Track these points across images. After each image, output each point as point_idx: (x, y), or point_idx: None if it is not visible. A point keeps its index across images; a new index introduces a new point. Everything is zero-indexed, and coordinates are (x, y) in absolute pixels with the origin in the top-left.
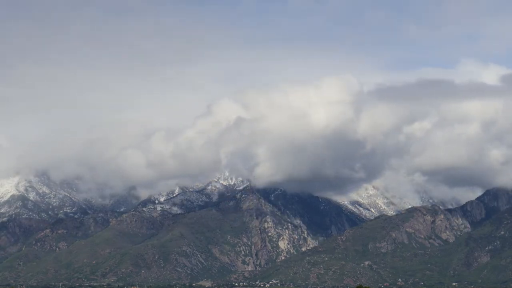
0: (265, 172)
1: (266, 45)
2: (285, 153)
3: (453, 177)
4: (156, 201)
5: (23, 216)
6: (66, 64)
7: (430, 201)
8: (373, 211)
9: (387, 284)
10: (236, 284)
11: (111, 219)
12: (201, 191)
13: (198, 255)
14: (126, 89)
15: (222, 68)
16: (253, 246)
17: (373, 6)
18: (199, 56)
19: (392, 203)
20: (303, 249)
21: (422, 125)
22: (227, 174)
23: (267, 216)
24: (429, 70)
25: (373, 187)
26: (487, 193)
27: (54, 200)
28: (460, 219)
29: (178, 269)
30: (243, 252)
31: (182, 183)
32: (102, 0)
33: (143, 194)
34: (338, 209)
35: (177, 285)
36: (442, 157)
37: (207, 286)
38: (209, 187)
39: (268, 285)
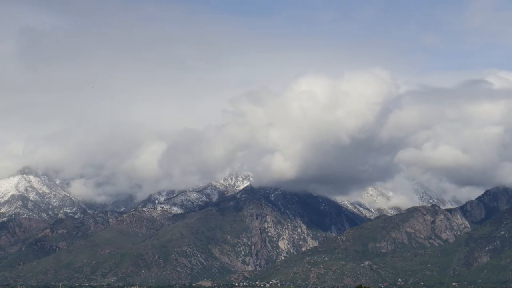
0: (276, 171)
1: (291, 52)
2: (300, 153)
3: (454, 177)
4: (156, 201)
5: (23, 216)
6: (86, 67)
7: (430, 201)
8: (373, 211)
9: (387, 284)
10: (236, 284)
11: (111, 219)
12: (201, 191)
13: (198, 255)
14: (148, 91)
15: (248, 72)
16: (253, 246)
17: (399, 18)
18: (224, 62)
19: (392, 203)
20: (303, 249)
21: (439, 127)
22: (227, 174)
23: (267, 216)
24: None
25: (373, 187)
26: (487, 193)
27: (54, 200)
28: (460, 219)
29: (178, 269)
30: (243, 252)
31: (194, 181)
32: (130, 7)
33: (147, 192)
34: (338, 209)
35: (177, 285)
36: (449, 157)
37: (207, 286)
38: (209, 187)
39: (268, 285)
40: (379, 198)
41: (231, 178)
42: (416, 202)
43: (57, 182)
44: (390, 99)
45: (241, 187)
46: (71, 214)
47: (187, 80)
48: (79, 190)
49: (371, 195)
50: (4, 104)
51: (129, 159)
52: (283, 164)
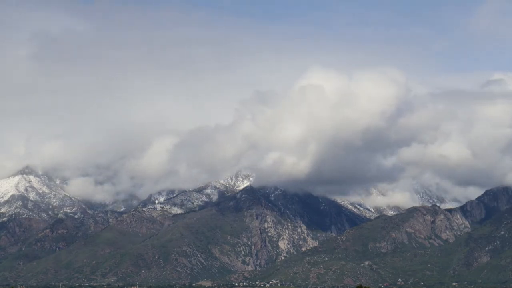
0: (284, 172)
1: (303, 53)
2: (306, 154)
3: (455, 176)
4: (156, 201)
5: (23, 216)
6: (98, 69)
7: (430, 201)
8: (373, 211)
9: (387, 284)
10: (236, 284)
11: (111, 219)
12: (201, 191)
13: (198, 255)
14: (158, 91)
15: (259, 73)
16: (253, 246)
17: (411, 23)
18: (236, 62)
19: (392, 203)
20: (303, 249)
21: (445, 128)
22: (227, 174)
23: (267, 216)
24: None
25: (374, 187)
26: (487, 193)
27: (54, 200)
28: (460, 219)
29: (178, 269)
30: (243, 252)
31: (202, 180)
32: (142, 10)
33: (147, 192)
34: (338, 209)
35: (177, 285)
36: (451, 157)
37: (207, 286)
38: (209, 187)
39: (268, 285)
40: (380, 198)
41: (231, 178)
42: (416, 202)
43: (57, 182)
44: (400, 100)
45: (241, 187)
46: (71, 214)
47: (197, 81)
48: (80, 189)
49: (371, 195)
50: (10, 105)
51: (134, 159)
52: (288, 164)
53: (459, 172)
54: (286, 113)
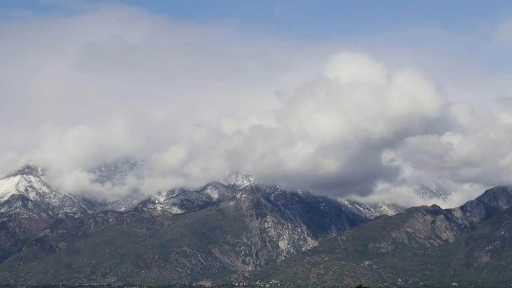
0: (295, 174)
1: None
2: (320, 155)
3: (455, 176)
4: (156, 201)
5: (23, 216)
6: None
7: (430, 200)
8: (373, 211)
9: (387, 284)
10: (236, 284)
11: (111, 219)
12: (201, 191)
13: (198, 255)
14: (197, 95)
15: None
16: (253, 246)
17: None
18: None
19: (392, 202)
20: (303, 249)
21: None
22: (227, 174)
23: (267, 216)
24: None
25: (374, 187)
26: (487, 193)
27: (54, 200)
28: (460, 219)
29: (178, 269)
30: (243, 252)
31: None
32: (182, 22)
33: (147, 192)
34: (338, 209)
35: (177, 285)
36: (453, 157)
37: (207, 286)
38: (209, 187)
39: (268, 285)
40: (380, 198)
41: (231, 178)
42: (416, 201)
43: (57, 181)
44: (425, 102)
45: (241, 187)
46: (71, 214)
47: (238, 82)
48: (79, 188)
49: (371, 195)
50: (20, 108)
51: (142, 159)
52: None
53: (459, 172)
54: (311, 114)
